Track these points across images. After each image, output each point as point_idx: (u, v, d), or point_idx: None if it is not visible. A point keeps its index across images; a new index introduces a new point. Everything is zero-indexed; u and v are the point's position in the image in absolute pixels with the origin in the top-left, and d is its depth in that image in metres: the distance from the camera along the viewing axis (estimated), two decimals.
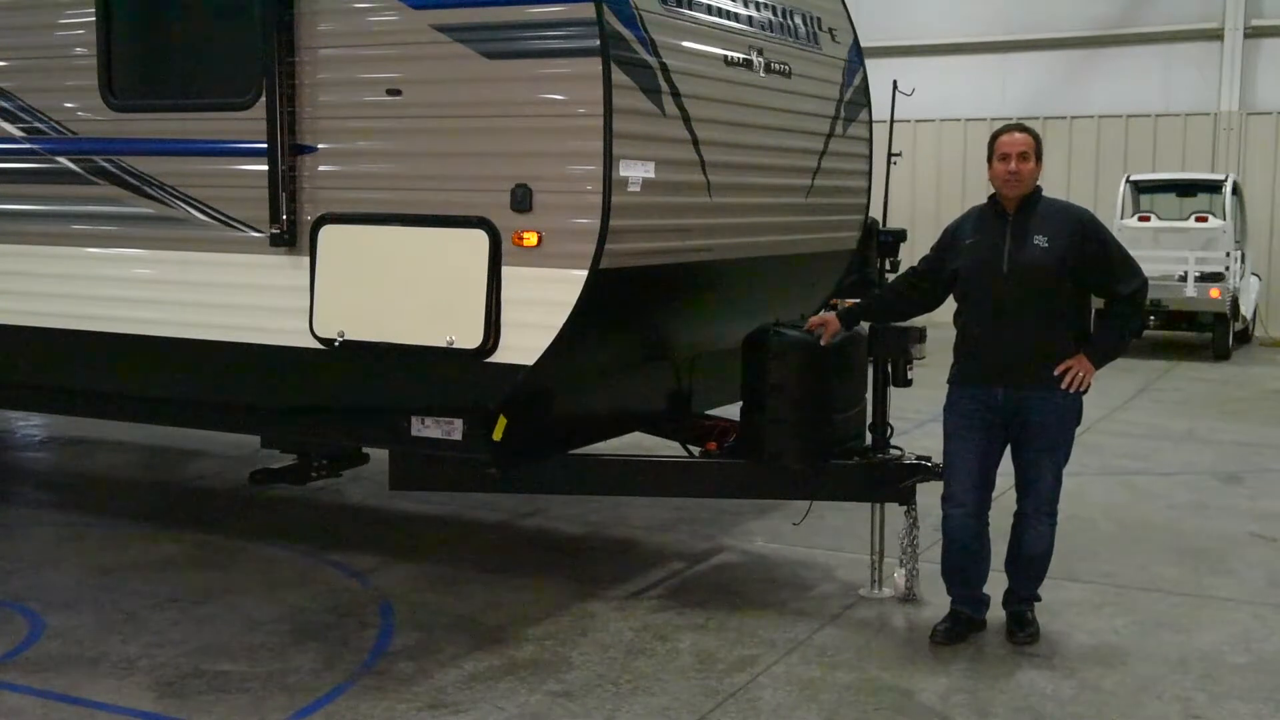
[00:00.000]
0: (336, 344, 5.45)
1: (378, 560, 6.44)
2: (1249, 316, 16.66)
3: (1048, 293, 5.12)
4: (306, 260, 5.50)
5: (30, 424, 10.15)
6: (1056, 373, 5.11)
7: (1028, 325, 5.13)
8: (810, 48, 6.51)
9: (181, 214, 5.84)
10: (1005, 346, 5.15)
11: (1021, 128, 5.28)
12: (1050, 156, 21.36)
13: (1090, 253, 5.13)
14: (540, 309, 5.05)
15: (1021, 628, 5.37)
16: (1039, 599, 5.47)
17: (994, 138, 5.26)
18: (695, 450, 6.38)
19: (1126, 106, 18.79)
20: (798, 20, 6.43)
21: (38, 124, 6.17)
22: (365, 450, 6.48)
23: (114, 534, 6.94)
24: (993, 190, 5.29)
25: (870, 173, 7.23)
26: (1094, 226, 5.16)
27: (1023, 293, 5.12)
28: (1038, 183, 5.25)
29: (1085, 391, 5.23)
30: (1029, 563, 5.38)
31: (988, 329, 5.20)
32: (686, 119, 5.43)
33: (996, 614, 5.49)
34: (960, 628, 5.37)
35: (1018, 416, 5.19)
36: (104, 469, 8.72)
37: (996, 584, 5.48)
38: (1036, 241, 5.12)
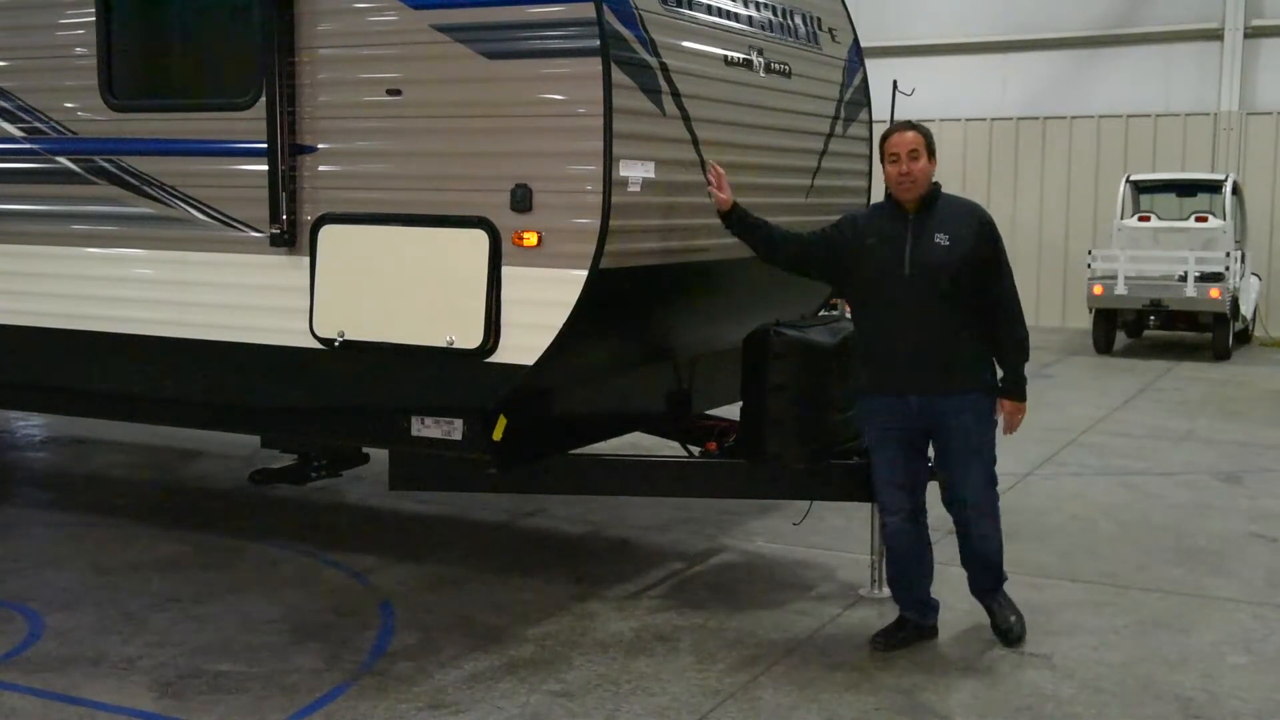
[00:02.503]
0: (336, 344, 5.45)
1: (378, 560, 6.44)
2: (1249, 316, 16.67)
3: (951, 293, 5.00)
4: (306, 260, 5.50)
5: (30, 424, 10.16)
6: (1004, 433, 5.13)
7: (933, 328, 5.01)
8: (810, 48, 6.51)
9: (181, 214, 5.84)
10: (912, 352, 5.04)
11: (911, 125, 5.11)
12: (1050, 156, 21.37)
13: (982, 253, 5.05)
14: (540, 309, 5.05)
15: (1001, 625, 5.33)
16: (1005, 578, 5.42)
17: (883, 139, 5.12)
18: (695, 450, 6.37)
19: (1126, 106, 18.80)
20: (798, 20, 6.44)
21: (38, 124, 6.17)
22: (365, 450, 6.48)
23: (114, 534, 6.94)
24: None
25: (870, 173, 7.22)
26: (991, 228, 5.10)
27: (925, 294, 4.99)
28: (935, 180, 5.12)
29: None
30: (982, 563, 5.33)
31: (893, 335, 5.08)
32: (686, 119, 5.43)
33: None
34: (905, 633, 5.30)
35: (935, 422, 5.10)
36: (104, 469, 8.72)
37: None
38: (938, 240, 5.01)
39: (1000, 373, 5.16)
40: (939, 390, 5.05)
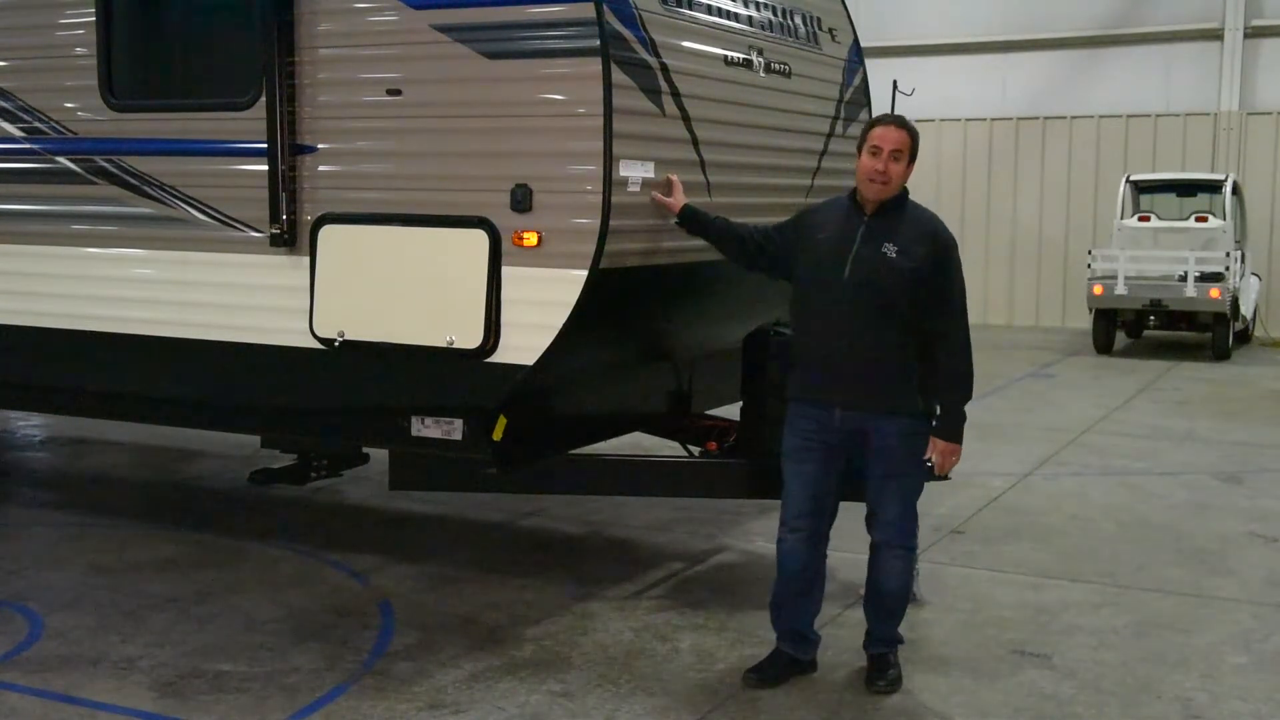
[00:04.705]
0: (336, 344, 5.45)
1: (378, 560, 6.44)
2: (1249, 316, 16.67)
3: (889, 308, 4.63)
4: (306, 260, 5.50)
5: (30, 424, 10.15)
6: (934, 471, 4.73)
7: (865, 340, 4.65)
8: (810, 48, 6.51)
9: (181, 214, 5.84)
10: (842, 362, 4.68)
11: (902, 123, 4.76)
12: (1050, 156, 21.41)
13: (930, 274, 4.65)
14: (540, 309, 5.05)
15: (882, 673, 4.87)
16: (901, 641, 5.02)
17: (869, 125, 4.81)
18: (695, 450, 6.37)
19: (1126, 106, 18.81)
20: (798, 20, 6.44)
21: (38, 124, 6.17)
22: (365, 450, 6.48)
23: (114, 534, 6.94)
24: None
25: None
26: (948, 249, 4.69)
27: (862, 303, 4.63)
28: (905, 186, 4.79)
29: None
30: (883, 600, 4.92)
31: (824, 340, 4.73)
32: (686, 119, 5.43)
33: (991, 617, 5.49)
34: (778, 669, 4.90)
35: (857, 440, 4.73)
36: (104, 469, 8.72)
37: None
38: (885, 250, 4.63)
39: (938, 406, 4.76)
40: (864, 407, 4.68)
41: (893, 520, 4.84)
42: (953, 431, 4.74)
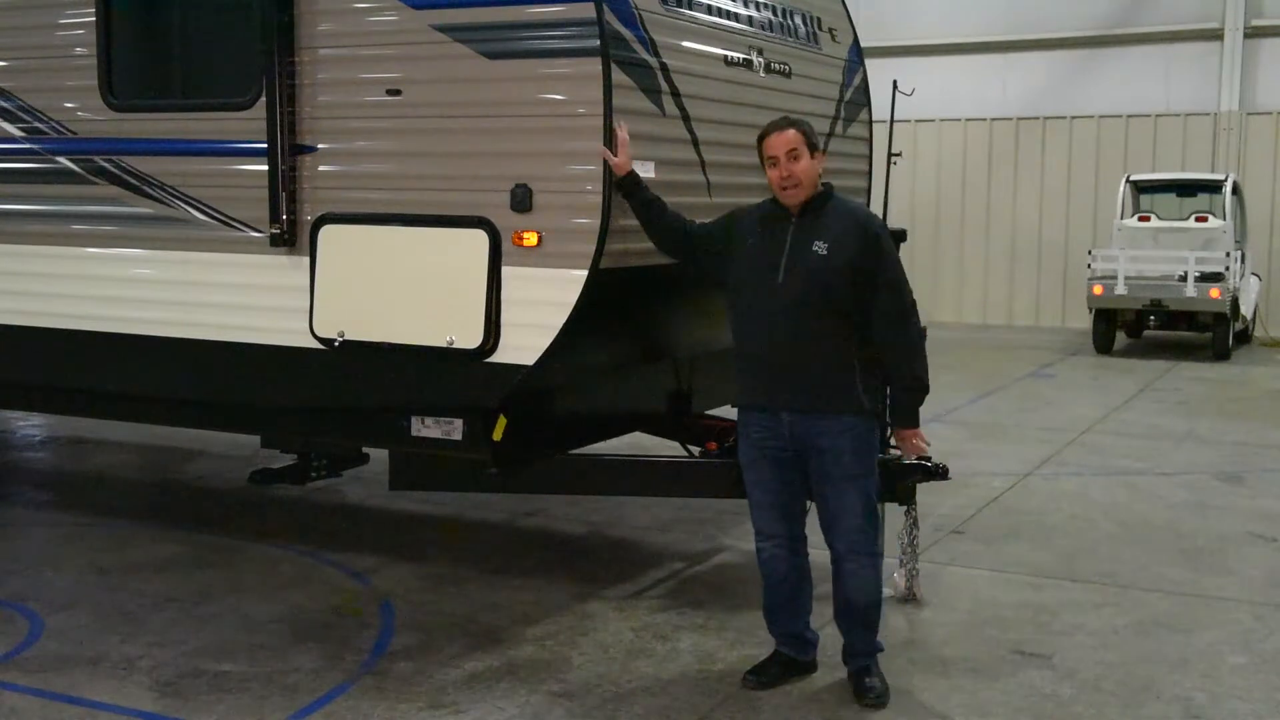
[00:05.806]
0: (336, 344, 5.45)
1: (378, 560, 6.44)
2: (1249, 316, 16.68)
3: (827, 305, 4.56)
4: (306, 260, 5.50)
5: (30, 424, 10.15)
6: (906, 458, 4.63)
7: (805, 342, 4.59)
8: (810, 48, 6.52)
9: (181, 214, 5.84)
10: (785, 366, 4.62)
11: (788, 122, 4.71)
12: (1050, 156, 21.38)
13: (864, 266, 4.58)
14: (540, 309, 5.05)
15: (869, 688, 4.71)
16: (881, 649, 4.89)
17: (759, 139, 4.72)
18: (695, 450, 6.37)
19: (1126, 106, 18.81)
20: (798, 20, 6.44)
21: (38, 124, 6.17)
22: (365, 450, 6.48)
23: (114, 534, 6.94)
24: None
25: (870, 173, 7.22)
26: (878, 242, 4.61)
27: (798, 305, 4.57)
28: (828, 183, 4.74)
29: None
30: (856, 612, 4.77)
31: (765, 345, 4.66)
32: (686, 119, 5.43)
33: (984, 615, 5.48)
34: (777, 671, 4.87)
35: (808, 444, 4.65)
36: (104, 469, 8.72)
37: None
38: (815, 248, 4.57)
39: (890, 399, 4.77)
40: (810, 409, 4.61)
41: (855, 526, 4.69)
42: (908, 417, 4.75)
